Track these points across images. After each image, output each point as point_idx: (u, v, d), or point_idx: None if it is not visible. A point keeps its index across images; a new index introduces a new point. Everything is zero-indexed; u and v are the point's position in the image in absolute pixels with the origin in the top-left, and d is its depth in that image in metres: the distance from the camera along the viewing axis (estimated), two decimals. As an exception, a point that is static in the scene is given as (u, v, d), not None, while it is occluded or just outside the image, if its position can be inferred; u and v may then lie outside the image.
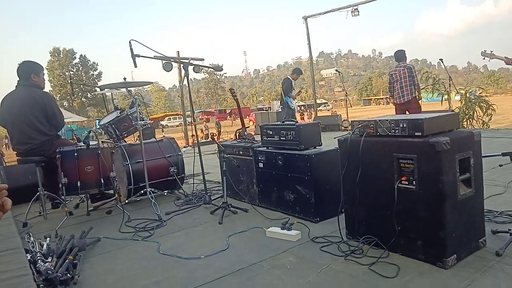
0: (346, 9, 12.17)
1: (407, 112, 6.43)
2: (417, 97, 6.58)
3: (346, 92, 10.10)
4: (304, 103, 72.97)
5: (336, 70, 10.62)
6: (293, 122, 3.35)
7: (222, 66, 4.38)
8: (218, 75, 75.78)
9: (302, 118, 28.52)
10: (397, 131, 2.28)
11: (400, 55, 6.68)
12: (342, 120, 12.05)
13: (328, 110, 59.62)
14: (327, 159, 3.08)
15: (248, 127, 4.88)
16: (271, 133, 3.46)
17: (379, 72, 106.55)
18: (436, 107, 8.50)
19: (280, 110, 8.46)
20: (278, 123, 3.57)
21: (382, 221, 2.34)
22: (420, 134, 2.17)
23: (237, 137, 4.31)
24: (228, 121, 54.79)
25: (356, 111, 42.96)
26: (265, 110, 56.05)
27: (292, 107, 8.14)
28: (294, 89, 8.36)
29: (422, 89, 8.57)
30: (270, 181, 3.44)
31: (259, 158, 3.54)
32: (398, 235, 2.27)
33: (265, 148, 3.53)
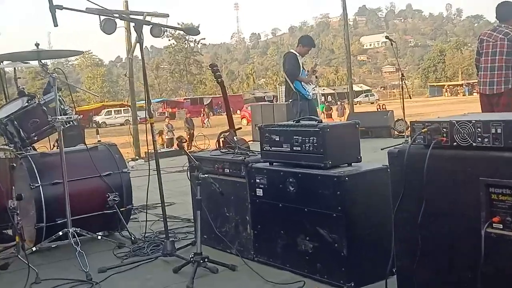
0: None
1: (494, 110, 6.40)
2: None
3: (402, 74, 10.09)
4: (332, 90, 73.48)
5: (387, 38, 10.65)
6: (314, 122, 3.36)
7: (198, 27, 4.40)
8: (191, 41, 76.28)
9: (329, 116, 28.53)
10: (486, 140, 2.29)
11: (506, 11, 6.54)
12: (395, 120, 12.09)
13: (372, 103, 60.03)
14: (369, 184, 3.08)
15: (240, 128, 4.91)
16: (277, 139, 3.47)
17: (456, 41, 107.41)
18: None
19: (291, 103, 8.46)
20: (289, 123, 3.57)
21: (460, 289, 2.33)
22: (524, 146, 2.17)
23: (221, 144, 4.32)
24: (211, 117, 55.12)
25: (418, 106, 43.11)
26: (269, 101, 56.42)
27: (309, 97, 8.16)
28: (304, 68, 8.39)
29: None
30: (275, 220, 3.44)
31: (257, 181, 3.55)
32: (487, 314, 2.25)
33: (267, 164, 3.54)
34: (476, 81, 6.83)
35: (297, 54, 8.20)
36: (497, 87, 6.33)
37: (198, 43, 80.00)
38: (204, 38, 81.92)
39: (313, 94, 8.33)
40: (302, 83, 8.09)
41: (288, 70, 8.26)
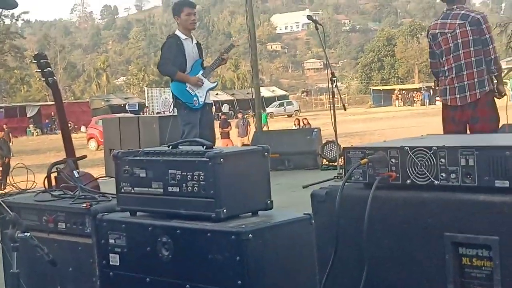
0: None
1: (468, 129, 6.71)
2: (495, 91, 6.90)
3: (332, 73, 10.35)
4: (230, 97, 73.95)
5: (310, 18, 10.95)
6: (200, 147, 3.38)
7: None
8: (6, 17, 74.27)
9: (226, 135, 28.71)
10: (453, 176, 2.38)
11: None
12: (324, 142, 12.34)
13: (290, 116, 61.04)
14: (285, 243, 3.12)
15: (84, 156, 4.82)
16: (143, 174, 3.46)
17: (411, 25, 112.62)
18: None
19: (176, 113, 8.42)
20: (162, 148, 3.57)
21: None
22: (507, 184, 2.28)
23: (53, 183, 4.27)
24: (32, 137, 53.46)
25: (357, 120, 44.70)
26: (132, 112, 55.51)
27: (196, 105, 8.09)
28: (200, 57, 8.39)
29: (508, 70, 9.00)
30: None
31: (111, 241, 3.51)
32: None
33: (127, 215, 3.52)
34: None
35: (181, 37, 8.18)
36: (470, 93, 6.63)
37: (17, 20, 78.27)
38: (28, 12, 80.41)
39: (202, 100, 8.11)
40: (187, 85, 8.03)
41: (158, 64, 8.28)
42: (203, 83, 8.15)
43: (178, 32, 8.27)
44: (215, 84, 8.69)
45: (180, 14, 8.22)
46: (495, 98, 6.75)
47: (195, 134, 7.57)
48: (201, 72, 8.24)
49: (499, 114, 6.72)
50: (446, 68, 6.73)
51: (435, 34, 6.78)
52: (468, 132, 6.58)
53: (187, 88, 8.02)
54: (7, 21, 74.57)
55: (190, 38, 8.29)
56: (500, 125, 7.00)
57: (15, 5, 4.43)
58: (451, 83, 6.69)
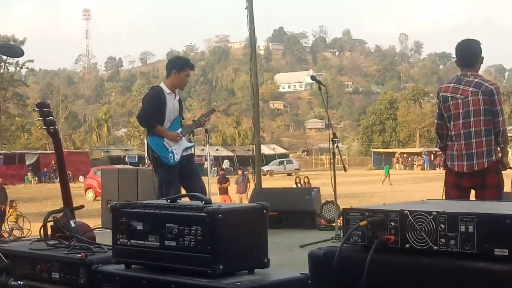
0: None
1: (475, 195, 6.69)
2: (502, 160, 6.88)
3: (333, 134, 10.37)
4: (230, 152, 74.02)
5: (313, 78, 11.02)
6: (199, 202, 3.37)
7: (22, 43, 4.38)
8: (11, 64, 74.77)
9: (225, 191, 28.56)
10: (452, 242, 2.38)
11: (470, 54, 6.90)
12: (323, 202, 12.28)
13: (289, 174, 60.94)
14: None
15: (82, 206, 4.81)
16: (140, 227, 3.44)
17: (414, 89, 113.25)
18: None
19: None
20: (161, 201, 3.56)
21: None
22: (507, 252, 2.28)
23: (49, 232, 4.23)
24: (30, 185, 53.37)
25: (356, 182, 44.60)
26: (131, 163, 55.45)
27: (172, 162, 8.00)
28: (181, 115, 8.43)
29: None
30: None
31: (105, 294, 3.46)
32: None
33: (122, 267, 3.49)
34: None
35: (165, 90, 8.16)
36: (478, 161, 6.62)
37: (21, 68, 78.62)
38: (32, 61, 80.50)
39: (176, 157, 8.09)
40: (165, 140, 8.03)
41: (139, 115, 8.31)
42: (181, 139, 8.17)
43: (163, 85, 8.24)
44: (192, 144, 8.70)
45: (181, 72, 8.22)
46: (499, 167, 6.74)
47: (174, 193, 7.42)
48: (180, 130, 8.26)
49: (503, 181, 6.73)
50: (454, 133, 6.72)
51: (446, 97, 6.76)
52: (474, 198, 6.60)
53: (164, 143, 8.00)
54: (11, 69, 75.00)
55: (174, 93, 8.29)
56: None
57: (21, 54, 4.48)
58: (459, 149, 6.68)
